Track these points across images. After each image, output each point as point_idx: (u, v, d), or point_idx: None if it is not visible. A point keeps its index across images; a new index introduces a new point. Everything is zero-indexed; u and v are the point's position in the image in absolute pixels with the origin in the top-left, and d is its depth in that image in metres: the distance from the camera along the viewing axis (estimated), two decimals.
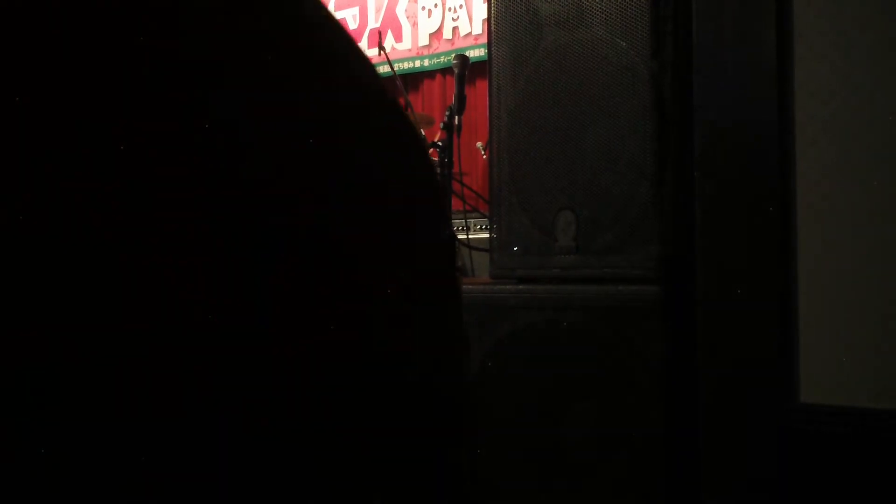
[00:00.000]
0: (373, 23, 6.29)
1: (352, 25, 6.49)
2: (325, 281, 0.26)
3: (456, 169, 3.30)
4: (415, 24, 6.13)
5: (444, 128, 3.28)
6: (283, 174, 0.26)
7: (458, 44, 5.86)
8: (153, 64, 0.24)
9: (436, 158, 3.19)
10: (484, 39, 4.28)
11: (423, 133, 4.25)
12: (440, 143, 3.20)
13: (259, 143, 0.26)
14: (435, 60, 6.05)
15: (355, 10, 6.42)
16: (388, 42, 6.09)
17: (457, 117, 3.16)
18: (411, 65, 6.13)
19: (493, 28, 1.94)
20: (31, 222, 0.21)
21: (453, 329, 0.36)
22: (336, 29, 0.32)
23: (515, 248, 1.86)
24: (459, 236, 3.51)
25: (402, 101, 3.96)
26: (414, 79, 6.32)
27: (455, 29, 5.92)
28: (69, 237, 0.21)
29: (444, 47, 6.01)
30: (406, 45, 6.18)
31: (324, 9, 0.33)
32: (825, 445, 1.45)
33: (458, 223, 3.51)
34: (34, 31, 0.23)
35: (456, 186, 3.41)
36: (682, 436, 1.63)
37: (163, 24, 0.25)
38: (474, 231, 3.74)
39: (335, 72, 0.31)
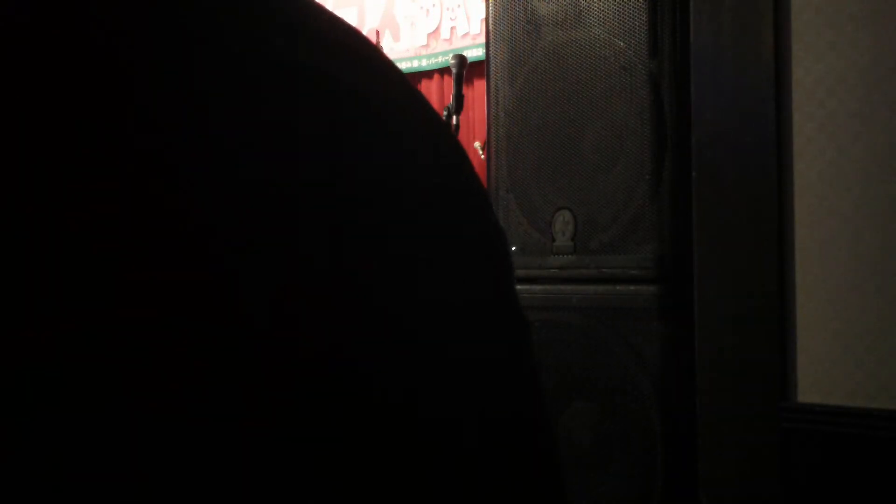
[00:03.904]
0: (371, 23, 6.30)
1: None
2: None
3: None
4: (413, 24, 6.13)
5: None
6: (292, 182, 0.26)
7: (456, 44, 5.86)
8: (158, 73, 0.24)
9: None
10: (482, 39, 4.27)
11: None
12: None
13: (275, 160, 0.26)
14: (433, 60, 6.05)
15: (354, 10, 6.43)
16: (387, 42, 6.09)
17: (455, 117, 3.15)
18: (409, 65, 6.12)
19: (491, 28, 1.94)
20: (32, 222, 0.21)
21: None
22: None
23: (513, 249, 1.86)
24: None
25: None
26: (412, 79, 6.30)
27: (453, 29, 5.93)
28: (69, 238, 0.21)
29: (441, 47, 6.01)
30: (404, 44, 6.18)
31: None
32: (822, 445, 1.45)
33: None
34: (34, 29, 0.23)
35: None
36: (679, 435, 1.63)
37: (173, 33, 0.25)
38: None
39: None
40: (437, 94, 6.30)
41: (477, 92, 5.38)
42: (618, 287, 1.71)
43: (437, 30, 6.08)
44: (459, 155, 0.33)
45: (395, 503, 0.25)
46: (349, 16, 6.46)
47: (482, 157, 4.28)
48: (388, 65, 0.32)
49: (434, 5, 6.00)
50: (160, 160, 0.22)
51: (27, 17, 0.23)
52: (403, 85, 0.32)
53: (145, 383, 0.21)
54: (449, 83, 3.34)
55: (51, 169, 0.21)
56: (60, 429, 0.20)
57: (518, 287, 2.00)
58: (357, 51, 0.30)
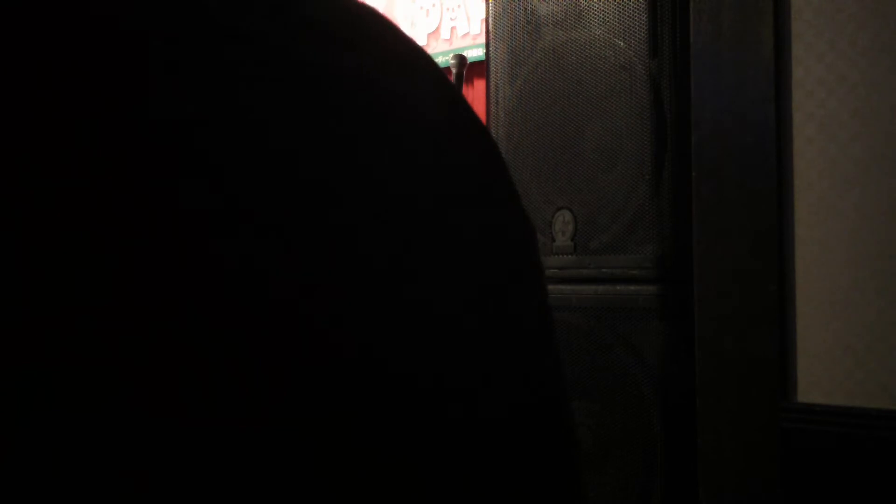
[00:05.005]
0: None
1: None
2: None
3: None
4: (413, 24, 6.13)
5: None
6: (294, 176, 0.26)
7: (456, 44, 5.86)
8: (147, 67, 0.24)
9: None
10: (482, 39, 4.26)
11: None
12: None
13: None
14: None
15: None
16: None
17: None
18: None
19: (490, 28, 1.94)
20: (32, 222, 0.21)
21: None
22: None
23: None
24: None
25: None
26: None
27: (453, 29, 5.93)
28: (69, 237, 0.21)
29: (441, 47, 6.01)
30: None
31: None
32: (822, 445, 1.45)
33: None
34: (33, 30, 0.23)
35: None
36: (679, 435, 1.63)
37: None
38: None
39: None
40: None
41: (477, 92, 5.38)
42: (618, 287, 1.71)
43: (437, 30, 6.09)
44: (489, 153, 0.33)
45: (395, 501, 0.25)
46: None
47: None
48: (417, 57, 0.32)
49: (434, 5, 6.01)
50: (161, 160, 0.22)
51: (28, 15, 0.23)
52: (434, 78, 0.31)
53: (145, 383, 0.21)
54: None
55: (51, 168, 0.21)
56: (60, 429, 0.20)
57: None
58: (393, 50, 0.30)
